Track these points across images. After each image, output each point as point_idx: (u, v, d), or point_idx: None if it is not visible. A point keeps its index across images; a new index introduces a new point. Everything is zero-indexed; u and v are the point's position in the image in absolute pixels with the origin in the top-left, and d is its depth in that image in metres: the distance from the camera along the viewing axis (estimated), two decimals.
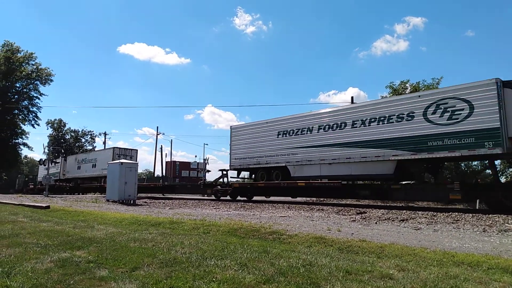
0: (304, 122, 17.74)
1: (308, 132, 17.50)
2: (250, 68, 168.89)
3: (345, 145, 15.90)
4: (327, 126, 16.79)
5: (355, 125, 15.65)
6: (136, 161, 32.57)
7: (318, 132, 17.08)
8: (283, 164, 18.40)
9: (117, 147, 32.78)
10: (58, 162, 41.64)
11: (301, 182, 17.16)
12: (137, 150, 33.52)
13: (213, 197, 21.61)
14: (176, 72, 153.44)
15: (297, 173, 17.79)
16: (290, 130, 18.39)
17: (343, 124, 16.15)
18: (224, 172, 21.67)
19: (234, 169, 21.56)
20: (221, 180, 21.93)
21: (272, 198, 20.82)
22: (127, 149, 33.16)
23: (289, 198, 20.78)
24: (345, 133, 15.98)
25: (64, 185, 38.39)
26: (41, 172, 45.37)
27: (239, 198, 20.93)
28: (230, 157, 21.47)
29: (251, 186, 20.37)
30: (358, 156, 15.32)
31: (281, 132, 18.78)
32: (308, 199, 21.71)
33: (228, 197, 20.94)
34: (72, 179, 38.33)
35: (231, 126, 21.95)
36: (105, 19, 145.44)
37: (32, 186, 45.03)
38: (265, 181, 19.33)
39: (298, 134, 17.94)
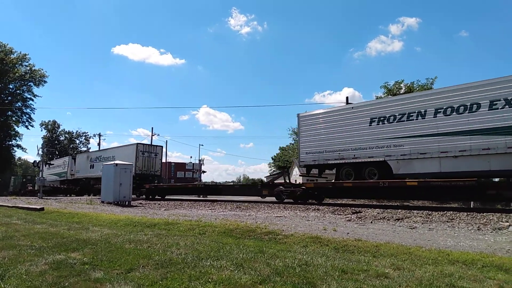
0: (412, 105, 14.45)
1: (419, 117, 14.07)
2: (245, 68, 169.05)
3: (480, 132, 12.59)
4: (450, 109, 13.35)
5: (494, 106, 12.43)
6: (161, 159, 29.99)
7: (434, 116, 13.67)
8: (381, 159, 14.98)
9: (140, 143, 28.73)
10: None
11: (411, 180, 13.63)
12: (162, 146, 30.14)
13: (273, 199, 18.25)
14: (171, 73, 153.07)
15: (402, 170, 14.52)
16: (389, 116, 14.92)
17: (475, 105, 12.80)
18: (285, 170, 19.28)
19: (305, 166, 17.84)
20: (280, 179, 19.30)
21: (267, 199, 20.53)
22: (151, 145, 29.92)
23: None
24: (479, 117, 12.67)
25: (72, 187, 36.18)
26: (44, 172, 43.89)
27: (284, 199, 17.57)
28: (299, 151, 17.84)
29: (334, 187, 16.33)
30: (503, 145, 12.13)
31: (376, 119, 15.26)
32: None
33: (286, 200, 17.58)
34: (83, 179, 35.73)
35: (298, 115, 18.06)
36: (99, 19, 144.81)
37: (31, 188, 43.55)
38: (353, 180, 15.83)
39: (403, 121, 14.47)
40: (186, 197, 24.80)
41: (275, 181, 20.14)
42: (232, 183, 32.27)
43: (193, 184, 28.64)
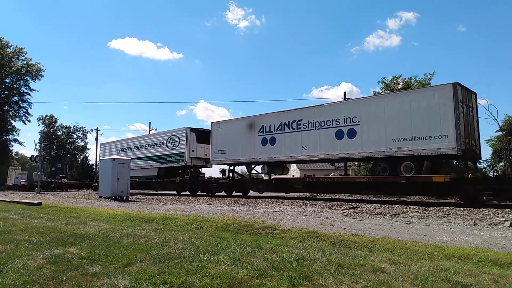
0: None
1: None
2: (243, 63, 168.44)
3: None
4: None
5: None
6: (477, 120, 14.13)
7: None
8: None
9: (457, 84, 13.12)
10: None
11: None
12: (475, 93, 14.41)
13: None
14: (168, 67, 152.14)
15: None
16: None
17: None
18: None
19: None
20: None
21: (264, 194, 20.55)
22: (470, 91, 14.25)
23: (282, 194, 20.24)
24: None
25: (212, 181, 21.71)
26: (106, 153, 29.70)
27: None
28: None
29: None
30: None
31: None
32: (301, 194, 21.06)
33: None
34: (242, 164, 20.60)
35: None
36: (95, 13, 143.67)
37: (66, 180, 38.84)
38: None
39: None
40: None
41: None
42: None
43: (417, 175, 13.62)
